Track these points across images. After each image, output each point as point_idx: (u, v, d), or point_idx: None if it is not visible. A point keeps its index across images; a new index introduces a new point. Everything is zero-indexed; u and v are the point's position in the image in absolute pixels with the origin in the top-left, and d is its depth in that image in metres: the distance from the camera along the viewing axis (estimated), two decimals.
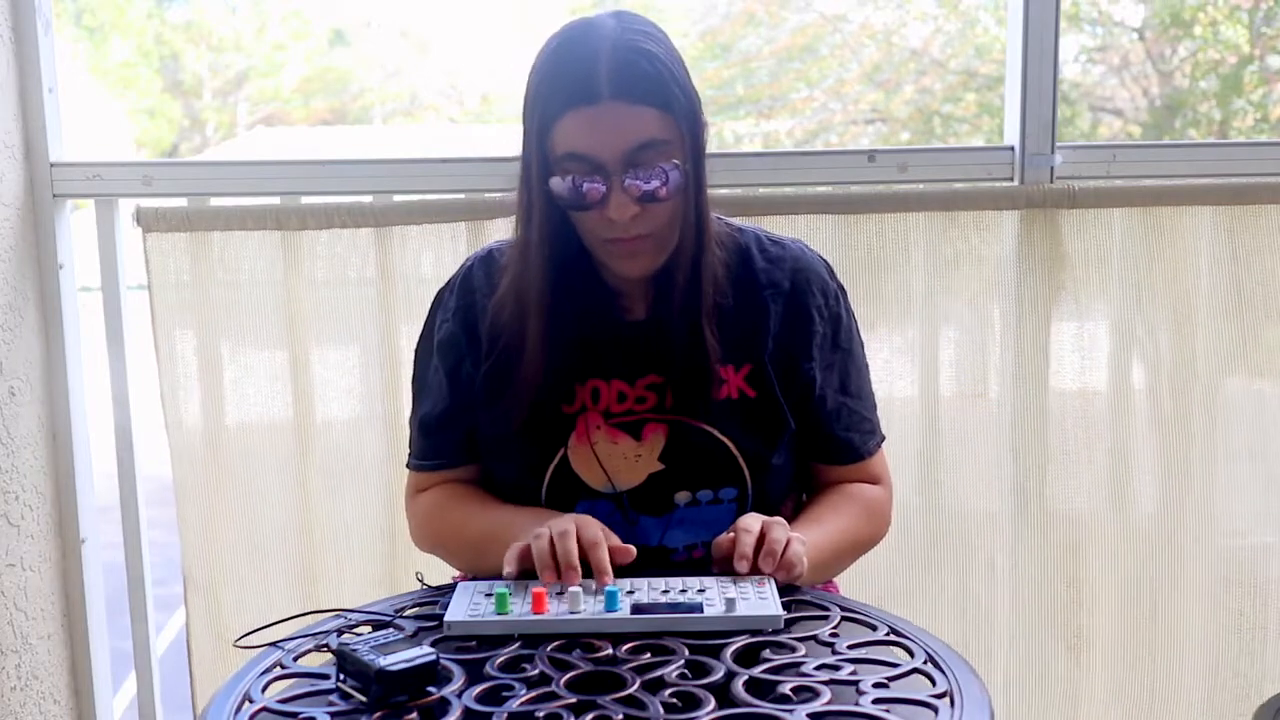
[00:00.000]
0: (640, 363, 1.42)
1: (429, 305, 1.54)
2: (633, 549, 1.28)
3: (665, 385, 1.41)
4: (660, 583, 1.25)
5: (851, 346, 1.50)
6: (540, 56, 1.36)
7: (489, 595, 1.22)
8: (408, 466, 1.55)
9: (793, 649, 1.13)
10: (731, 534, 1.30)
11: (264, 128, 14.15)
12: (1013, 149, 2.05)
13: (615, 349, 1.43)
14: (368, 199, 2.07)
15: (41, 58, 2.04)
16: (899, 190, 2.06)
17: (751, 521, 1.30)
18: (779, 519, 1.32)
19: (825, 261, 1.51)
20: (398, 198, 2.08)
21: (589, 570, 1.24)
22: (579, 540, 1.25)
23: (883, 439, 1.55)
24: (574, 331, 1.41)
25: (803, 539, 1.30)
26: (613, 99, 1.29)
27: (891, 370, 2.09)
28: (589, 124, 1.30)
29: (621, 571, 1.28)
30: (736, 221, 1.51)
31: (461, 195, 2.06)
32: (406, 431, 1.57)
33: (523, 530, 1.30)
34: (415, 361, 1.54)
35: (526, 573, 1.27)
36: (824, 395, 1.47)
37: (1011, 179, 2.06)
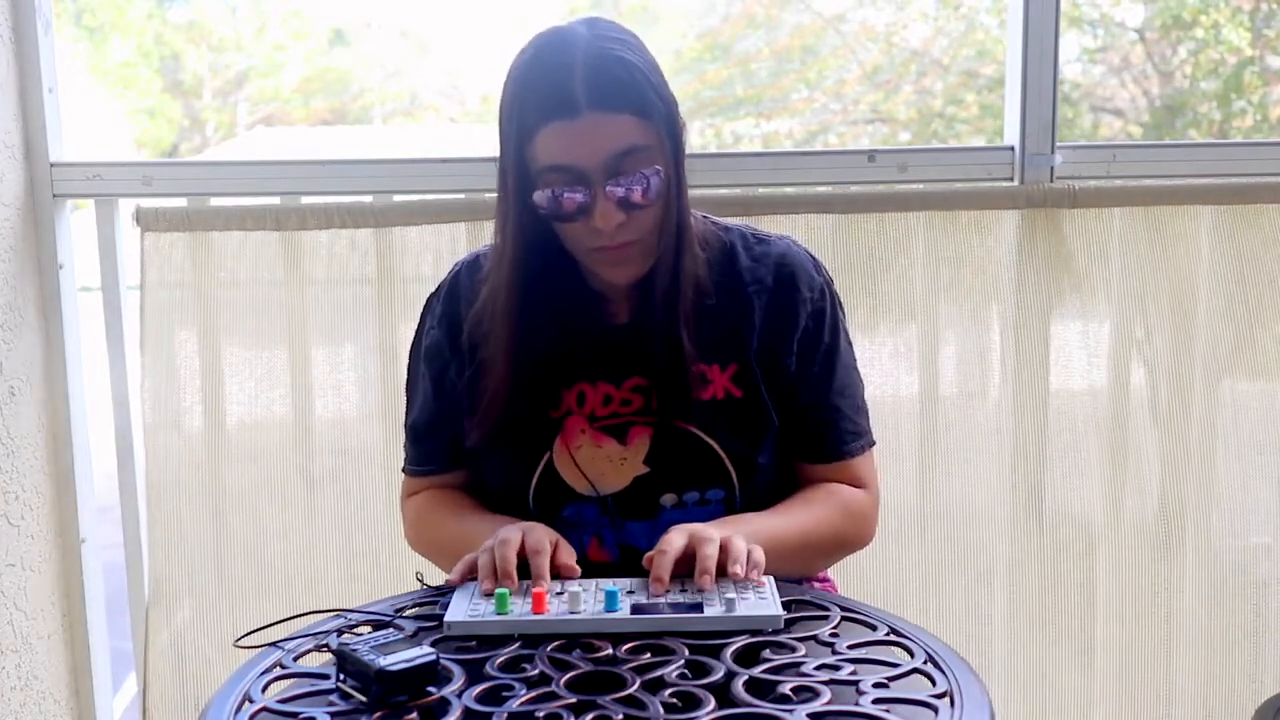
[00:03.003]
0: (626, 365, 1.42)
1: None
2: (577, 568, 1.27)
3: (650, 388, 1.41)
4: None
5: (836, 343, 1.47)
6: (514, 69, 1.35)
7: (489, 595, 1.22)
8: (403, 471, 1.56)
9: (793, 649, 1.13)
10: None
11: (264, 128, 14.15)
12: (1013, 149, 2.06)
13: (600, 353, 1.43)
14: (368, 199, 2.07)
15: (41, 58, 2.04)
16: (899, 190, 2.07)
17: (674, 539, 1.25)
18: (705, 527, 1.27)
19: (812, 256, 1.49)
20: (398, 198, 2.08)
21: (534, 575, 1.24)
22: (525, 546, 1.26)
23: (870, 444, 1.50)
24: (557, 337, 1.41)
25: (739, 534, 1.26)
26: (591, 109, 1.29)
27: (891, 370, 2.09)
28: (569, 136, 1.30)
29: (621, 572, 1.28)
30: (723, 220, 1.50)
31: (461, 195, 2.06)
32: (404, 433, 1.57)
33: (483, 539, 1.30)
34: (408, 367, 1.55)
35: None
36: (803, 388, 1.44)
37: (1011, 179, 2.06)
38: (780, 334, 1.44)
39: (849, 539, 1.48)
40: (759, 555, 1.25)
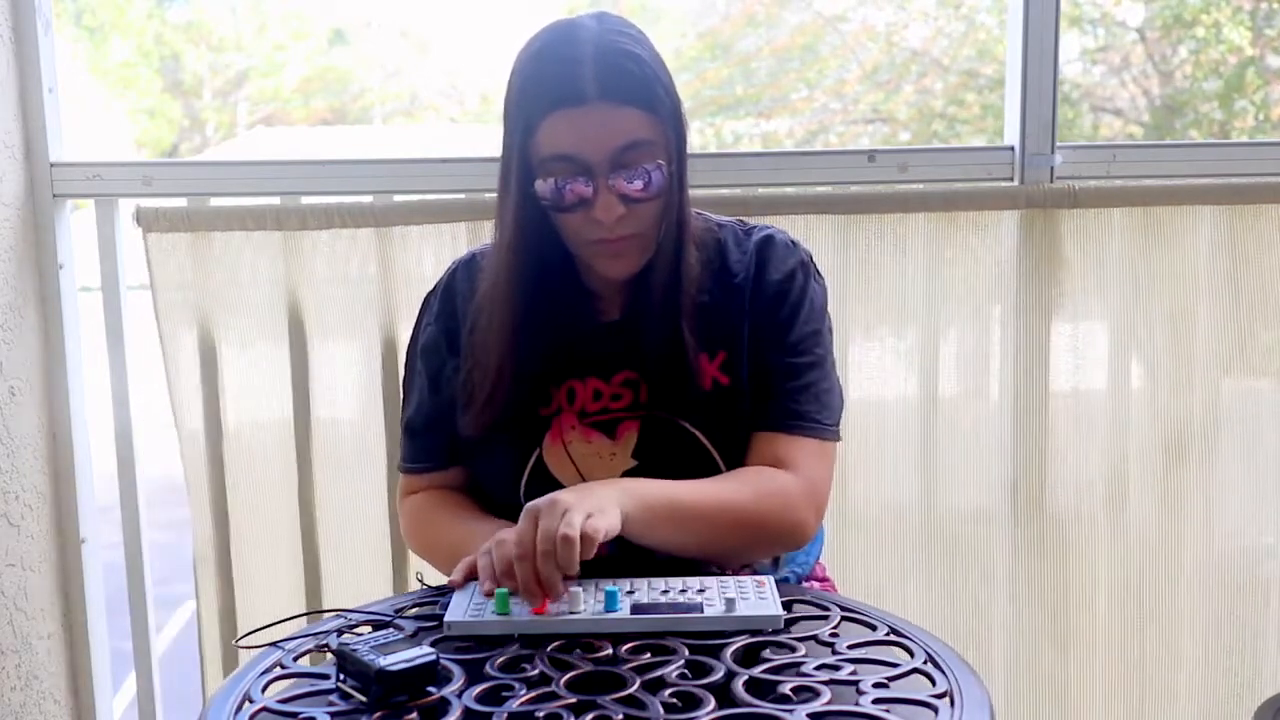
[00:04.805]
0: (616, 360, 1.42)
1: None
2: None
3: (639, 381, 1.41)
4: (660, 583, 1.25)
5: (795, 317, 1.42)
6: (522, 58, 1.35)
7: (489, 596, 1.22)
8: (398, 469, 1.56)
9: (793, 649, 1.13)
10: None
11: (264, 128, 14.17)
12: (1013, 149, 2.06)
13: (590, 349, 1.42)
14: (368, 199, 2.07)
15: (41, 58, 2.04)
16: (899, 190, 2.07)
17: (505, 537, 1.23)
18: (554, 513, 1.20)
19: (793, 240, 1.47)
20: (398, 198, 2.08)
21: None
22: None
23: (819, 436, 1.41)
24: (550, 334, 1.41)
25: (612, 499, 1.24)
26: (599, 100, 1.29)
27: (891, 370, 2.09)
28: (576, 125, 1.30)
29: (616, 565, 1.28)
30: (715, 217, 1.50)
31: (461, 195, 2.06)
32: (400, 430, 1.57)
33: (481, 541, 1.29)
34: (405, 364, 1.55)
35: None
36: (753, 356, 1.41)
37: (1011, 179, 2.06)
38: (759, 311, 1.42)
39: (762, 520, 1.35)
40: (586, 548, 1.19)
